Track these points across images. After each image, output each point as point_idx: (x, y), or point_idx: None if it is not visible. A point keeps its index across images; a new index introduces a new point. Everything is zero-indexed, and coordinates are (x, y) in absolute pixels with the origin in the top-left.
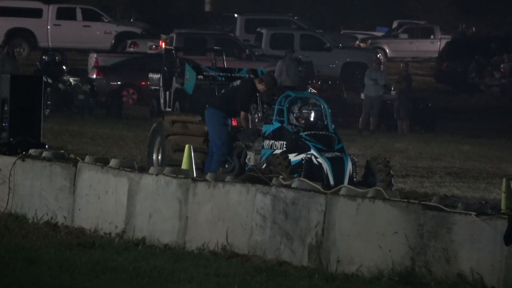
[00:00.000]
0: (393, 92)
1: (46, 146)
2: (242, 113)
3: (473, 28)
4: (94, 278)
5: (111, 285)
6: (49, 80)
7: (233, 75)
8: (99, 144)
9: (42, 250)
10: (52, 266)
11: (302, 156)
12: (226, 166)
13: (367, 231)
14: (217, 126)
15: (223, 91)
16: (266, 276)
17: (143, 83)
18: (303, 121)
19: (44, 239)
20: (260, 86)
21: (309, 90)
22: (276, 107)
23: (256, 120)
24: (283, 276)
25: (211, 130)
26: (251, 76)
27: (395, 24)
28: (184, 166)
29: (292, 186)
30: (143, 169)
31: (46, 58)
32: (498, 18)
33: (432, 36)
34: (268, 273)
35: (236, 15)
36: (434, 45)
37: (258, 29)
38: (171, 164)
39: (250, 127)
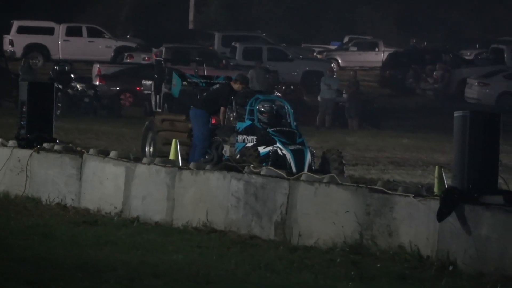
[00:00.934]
0: (344, 95)
1: (57, 141)
2: (222, 108)
3: (425, 43)
4: (98, 249)
5: (112, 256)
6: (60, 86)
7: (212, 81)
8: (101, 139)
9: (54, 227)
10: (63, 240)
11: (270, 148)
12: (207, 157)
13: (323, 210)
14: (200, 124)
15: (204, 94)
16: (240, 248)
17: (138, 88)
18: (266, 115)
19: (56, 218)
20: (235, 85)
21: (275, 94)
22: (247, 108)
23: (231, 118)
24: (254, 248)
25: (195, 126)
26: (227, 80)
27: (346, 39)
28: (171, 157)
29: (261, 173)
30: (138, 159)
31: (57, 68)
32: (431, 34)
33: (376, 49)
34: (241, 245)
35: (215, 32)
36: (378, 56)
37: (233, 44)
38: (161, 155)
39: (226, 122)
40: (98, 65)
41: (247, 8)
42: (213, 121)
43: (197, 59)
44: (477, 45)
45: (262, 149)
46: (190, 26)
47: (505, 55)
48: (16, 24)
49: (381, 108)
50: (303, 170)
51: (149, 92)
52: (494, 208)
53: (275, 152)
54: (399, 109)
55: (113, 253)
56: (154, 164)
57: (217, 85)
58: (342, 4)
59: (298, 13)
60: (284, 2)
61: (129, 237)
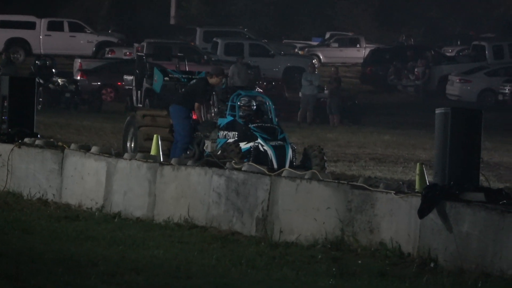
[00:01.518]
0: (325, 91)
1: (39, 136)
2: (196, 104)
3: (411, 39)
4: (78, 245)
5: (93, 251)
6: (41, 81)
7: (193, 77)
8: (82, 134)
9: (35, 222)
10: (44, 235)
11: (251, 144)
12: (188, 152)
13: (304, 206)
14: (180, 120)
15: (183, 89)
16: (221, 244)
17: (119, 83)
18: (247, 111)
19: (37, 213)
20: (211, 79)
21: (257, 90)
22: (229, 103)
23: (213, 114)
24: (235, 244)
25: (176, 123)
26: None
27: (327, 35)
28: (153, 152)
29: (243, 169)
30: (119, 155)
31: (38, 62)
32: (411, 30)
33: (358, 45)
34: (222, 241)
35: (196, 27)
36: (359, 53)
37: (214, 39)
38: (142, 151)
39: (202, 116)
40: (79, 60)
41: (228, 3)
42: (194, 117)
43: (178, 54)
44: (459, 42)
45: (243, 145)
46: (172, 21)
47: (486, 52)
48: None
49: (362, 104)
50: (284, 166)
51: (131, 87)
52: (475, 205)
53: (256, 148)
54: (381, 106)
55: (94, 248)
56: (136, 159)
57: (194, 80)
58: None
59: (279, 9)
60: None
61: (110, 233)
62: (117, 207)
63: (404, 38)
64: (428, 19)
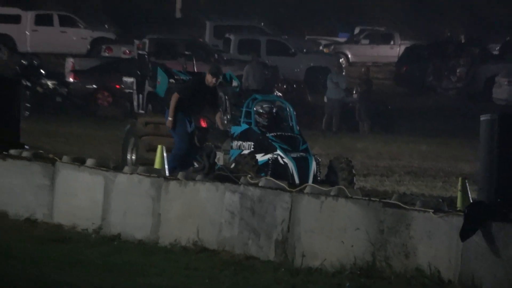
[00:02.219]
0: (354, 95)
1: (26, 147)
2: (174, 94)
3: (463, 36)
4: (62, 271)
5: (80, 279)
6: (28, 84)
7: None
8: (75, 144)
9: (17, 245)
10: (24, 260)
11: (269, 156)
12: (196, 165)
13: (330, 227)
14: (175, 125)
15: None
16: (234, 270)
17: (117, 86)
18: (264, 118)
19: (22, 235)
20: (208, 78)
21: (275, 93)
22: (243, 109)
23: (225, 121)
24: (250, 270)
25: (171, 130)
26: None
27: (356, 30)
28: (157, 165)
29: (259, 184)
30: (118, 168)
31: (25, 62)
32: (454, 23)
33: (391, 42)
34: (236, 267)
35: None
36: (393, 50)
37: (227, 35)
38: (145, 163)
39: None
40: (71, 59)
41: None
42: (203, 125)
43: (185, 52)
44: (508, 37)
45: (260, 157)
46: (178, 14)
47: None
48: None
49: (397, 109)
50: (307, 181)
51: (131, 90)
52: None
53: (275, 160)
54: (417, 111)
55: (82, 275)
56: (137, 173)
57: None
58: None
59: (301, 0)
60: None
61: (103, 257)
62: (116, 228)
63: (449, 34)
64: (472, 10)
